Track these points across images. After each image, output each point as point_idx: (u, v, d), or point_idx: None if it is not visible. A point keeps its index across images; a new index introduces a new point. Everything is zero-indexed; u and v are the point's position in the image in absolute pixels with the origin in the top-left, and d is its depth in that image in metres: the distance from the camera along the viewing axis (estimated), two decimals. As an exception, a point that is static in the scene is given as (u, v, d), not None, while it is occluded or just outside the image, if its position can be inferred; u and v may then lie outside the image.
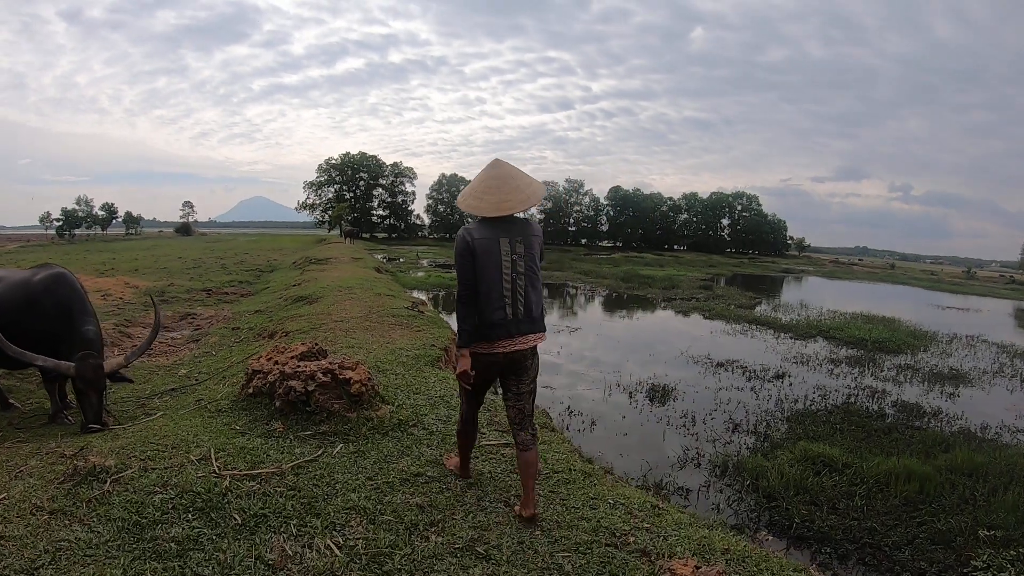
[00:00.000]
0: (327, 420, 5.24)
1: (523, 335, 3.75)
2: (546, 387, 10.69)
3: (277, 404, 5.50)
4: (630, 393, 10.60)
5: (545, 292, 28.25)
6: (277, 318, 12.15)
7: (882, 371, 13.81)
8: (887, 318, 23.21)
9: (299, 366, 5.66)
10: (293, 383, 5.49)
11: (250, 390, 5.88)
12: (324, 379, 5.45)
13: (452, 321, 16.49)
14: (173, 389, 7.65)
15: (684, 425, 9.06)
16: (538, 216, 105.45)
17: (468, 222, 3.97)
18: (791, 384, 11.94)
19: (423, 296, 23.12)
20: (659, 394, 10.56)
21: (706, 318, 21.40)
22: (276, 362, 6.12)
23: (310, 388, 5.42)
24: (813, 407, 10.37)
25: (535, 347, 3.90)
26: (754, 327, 19.56)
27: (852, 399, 11.07)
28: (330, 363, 5.62)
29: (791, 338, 17.81)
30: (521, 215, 3.91)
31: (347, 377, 5.46)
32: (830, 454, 7.75)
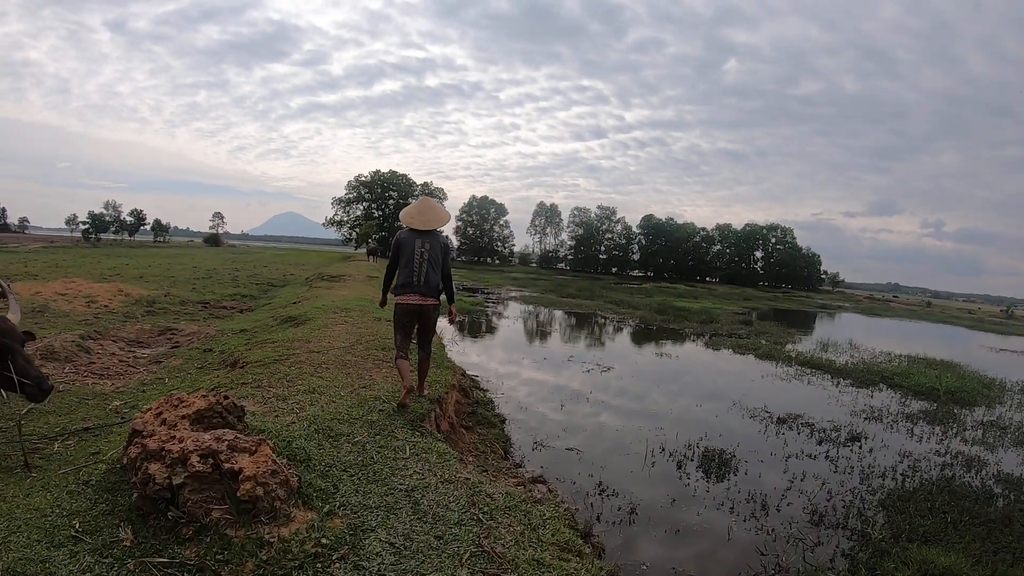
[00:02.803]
0: (196, 538, 3.12)
1: (423, 295, 6.28)
2: (571, 450, 8.45)
3: (133, 497, 3.42)
4: (678, 462, 8.25)
5: (570, 319, 26.06)
6: (254, 341, 10.19)
7: (966, 430, 11.46)
8: (947, 362, 20.95)
9: (168, 440, 3.56)
10: (154, 468, 3.40)
11: (126, 460, 3.85)
12: (200, 467, 3.33)
13: (468, 353, 14.36)
14: (87, 428, 5.96)
15: (753, 514, 6.74)
16: (568, 242, 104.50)
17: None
18: (871, 450, 9.60)
19: (443, 321, 21.07)
20: (715, 463, 8.22)
21: (754, 358, 19.00)
22: (165, 421, 4.09)
23: (176, 481, 3.31)
24: (907, 485, 8.06)
25: (434, 305, 6.41)
26: (808, 371, 17.17)
27: (948, 472, 8.77)
28: (217, 439, 3.49)
29: (851, 385, 15.45)
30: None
31: (236, 468, 3.33)
32: (957, 569, 5.55)
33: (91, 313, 13.70)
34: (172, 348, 11.09)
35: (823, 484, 7.85)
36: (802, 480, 7.95)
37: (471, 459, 6.29)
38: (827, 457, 9.06)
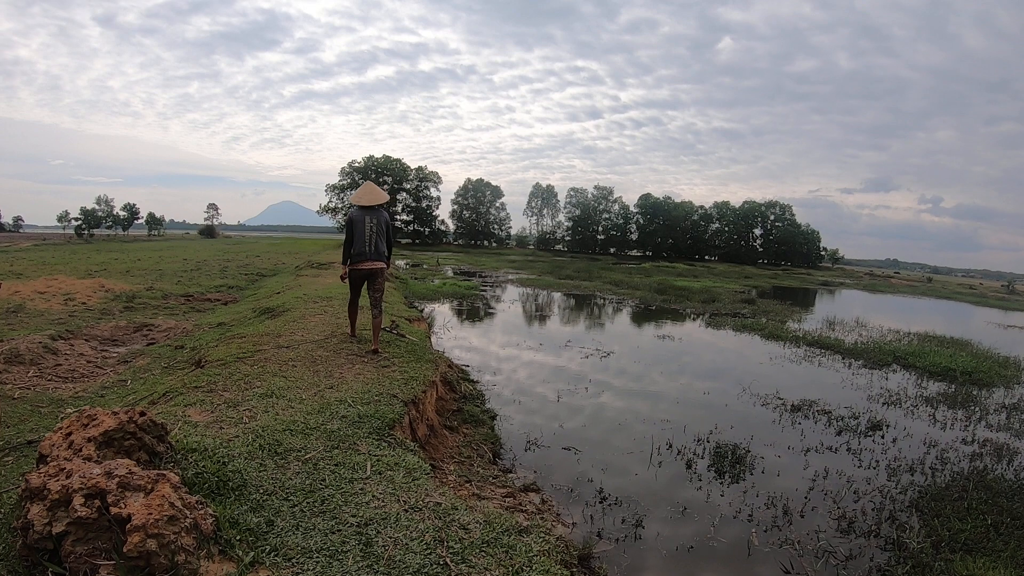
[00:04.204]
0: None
1: (372, 261, 7.90)
2: (569, 449, 7.61)
3: (18, 546, 2.69)
4: (688, 460, 7.46)
5: (568, 301, 25.29)
6: (226, 336, 9.44)
7: (989, 415, 10.72)
8: (957, 340, 20.24)
9: (55, 475, 2.81)
10: (34, 511, 2.63)
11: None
12: (83, 512, 2.57)
13: (461, 339, 13.62)
14: (31, 442, 5.19)
15: (775, 523, 5.96)
16: (566, 223, 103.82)
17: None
18: (894, 440, 8.86)
19: (436, 307, 20.32)
20: (728, 461, 7.43)
21: (760, 339, 18.19)
22: (72, 444, 3.35)
23: (58, 528, 2.56)
24: (938, 480, 7.30)
25: (380, 268, 8.00)
26: (817, 351, 16.40)
27: (978, 463, 8.01)
28: (107, 474, 2.72)
29: (864, 366, 14.68)
30: (376, 206, 8.06)
31: (124, 514, 2.57)
32: (1009, 585, 4.86)
33: (67, 311, 12.99)
34: (148, 345, 10.40)
35: (848, 482, 7.08)
36: (825, 478, 7.18)
37: (451, 468, 5.52)
38: (849, 450, 8.31)
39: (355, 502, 3.59)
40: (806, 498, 6.57)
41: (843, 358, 15.69)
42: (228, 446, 3.99)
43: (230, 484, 3.47)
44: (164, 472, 2.88)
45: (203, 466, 3.52)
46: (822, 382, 12.59)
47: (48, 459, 3.33)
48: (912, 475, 7.48)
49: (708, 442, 8.11)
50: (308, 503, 3.52)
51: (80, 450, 3.31)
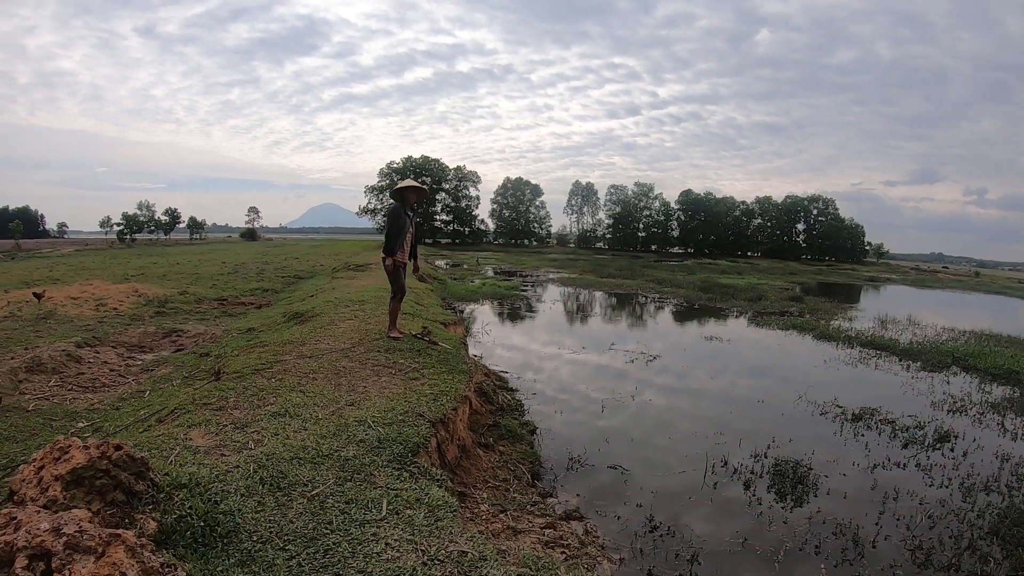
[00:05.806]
0: None
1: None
2: (615, 467, 6.98)
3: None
4: (745, 481, 6.76)
5: (610, 300, 24.54)
6: (250, 343, 9.05)
7: (1060, 422, 9.80)
8: (1016, 339, 19.18)
9: (3, 526, 2.33)
10: (-32, 576, 2.17)
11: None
12: (24, 577, 2.10)
13: (499, 344, 13.09)
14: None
15: (844, 555, 5.26)
16: (606, 221, 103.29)
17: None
18: (964, 453, 8.09)
19: (476, 308, 19.87)
20: (789, 481, 6.73)
21: (812, 339, 17.35)
22: (41, 482, 2.90)
23: (-6, 599, 2.08)
24: (1015, 500, 6.57)
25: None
26: (872, 353, 15.51)
27: (1056, 479, 7.22)
28: (55, 531, 2.24)
29: (922, 369, 13.79)
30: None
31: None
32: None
33: (97, 317, 12.80)
34: (175, 351, 10.11)
35: (920, 504, 6.37)
36: (895, 500, 6.46)
37: (484, 495, 4.96)
38: (917, 465, 7.56)
39: (364, 553, 3.03)
40: (877, 524, 5.89)
41: (899, 360, 14.84)
42: (224, 480, 3.50)
43: (219, 530, 2.97)
44: (119, 532, 2.36)
45: (189, 507, 3.02)
46: (881, 387, 11.78)
47: (16, 497, 2.92)
48: (988, 495, 6.78)
49: (766, 458, 7.43)
50: (308, 554, 2.98)
51: (47, 489, 2.88)
